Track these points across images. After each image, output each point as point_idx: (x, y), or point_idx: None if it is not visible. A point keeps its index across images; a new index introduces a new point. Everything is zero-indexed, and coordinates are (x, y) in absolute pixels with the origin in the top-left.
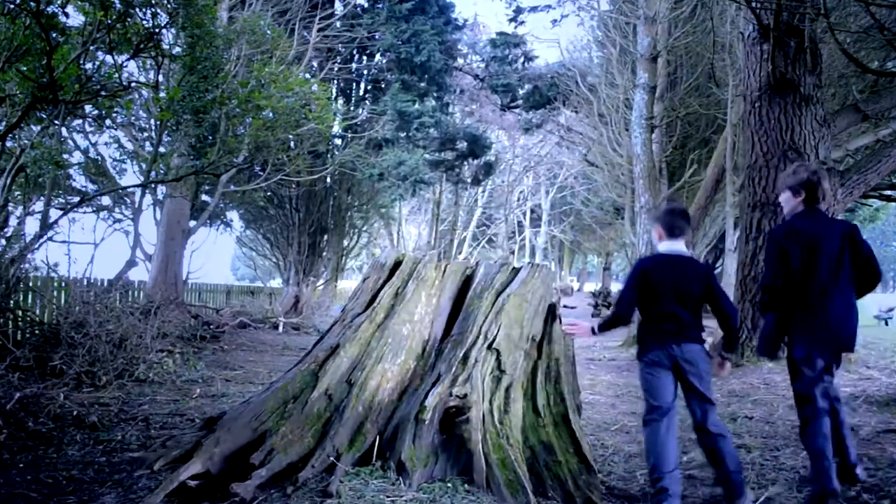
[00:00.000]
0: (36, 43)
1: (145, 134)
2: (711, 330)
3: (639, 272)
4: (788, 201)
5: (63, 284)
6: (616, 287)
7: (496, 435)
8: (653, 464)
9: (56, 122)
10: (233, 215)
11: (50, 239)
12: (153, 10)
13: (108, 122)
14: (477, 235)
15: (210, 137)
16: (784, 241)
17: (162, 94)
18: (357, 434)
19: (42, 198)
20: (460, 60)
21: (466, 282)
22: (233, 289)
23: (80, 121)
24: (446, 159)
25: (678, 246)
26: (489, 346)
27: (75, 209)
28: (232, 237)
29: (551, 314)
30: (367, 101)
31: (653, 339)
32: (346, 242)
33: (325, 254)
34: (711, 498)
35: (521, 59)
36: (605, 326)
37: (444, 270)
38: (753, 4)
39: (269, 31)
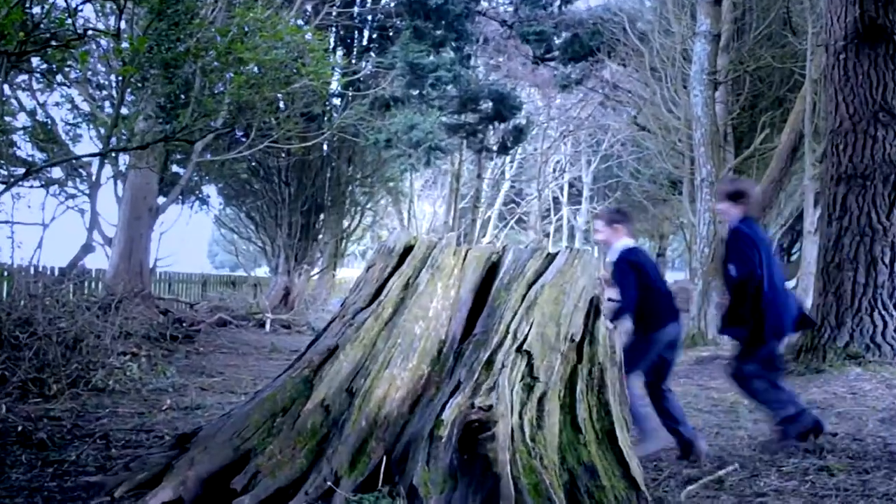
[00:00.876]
0: None
1: (104, 92)
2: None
3: (634, 264)
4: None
5: (5, 273)
6: (674, 277)
7: (527, 455)
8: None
9: None
10: (210, 190)
11: None
12: None
13: (59, 77)
14: (504, 214)
15: (182, 97)
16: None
17: (125, 45)
18: (359, 453)
19: None
20: (484, 3)
21: (491, 270)
22: (210, 279)
23: (25, 76)
24: (467, 123)
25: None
26: (519, 348)
27: (20, 183)
28: (209, 217)
29: (594, 309)
30: (371, 53)
31: (668, 314)
32: (346, 223)
33: (320, 237)
34: None
35: (558, 2)
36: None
37: (465, 257)
38: None
39: None
